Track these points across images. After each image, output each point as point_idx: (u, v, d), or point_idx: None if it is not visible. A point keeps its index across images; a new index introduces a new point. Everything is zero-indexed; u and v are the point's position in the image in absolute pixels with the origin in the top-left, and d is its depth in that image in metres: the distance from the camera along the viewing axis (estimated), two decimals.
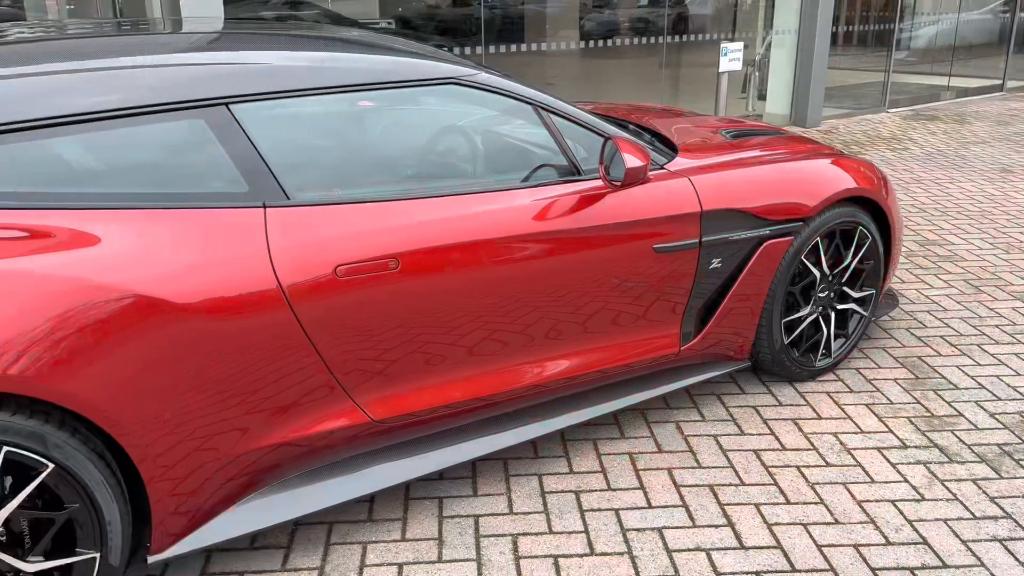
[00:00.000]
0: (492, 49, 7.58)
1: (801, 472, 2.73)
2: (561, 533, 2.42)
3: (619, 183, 2.50)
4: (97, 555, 1.91)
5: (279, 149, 2.18)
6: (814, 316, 3.22)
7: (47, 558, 1.87)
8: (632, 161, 2.47)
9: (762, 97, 9.15)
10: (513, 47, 8.24)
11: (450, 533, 2.42)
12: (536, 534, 2.42)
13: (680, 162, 2.86)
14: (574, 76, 8.67)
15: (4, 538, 1.83)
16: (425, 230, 2.27)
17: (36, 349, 1.73)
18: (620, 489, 2.63)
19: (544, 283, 2.49)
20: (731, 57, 6.43)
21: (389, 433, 2.40)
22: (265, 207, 2.09)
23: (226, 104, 2.11)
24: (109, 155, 1.99)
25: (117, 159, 1.99)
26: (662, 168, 2.79)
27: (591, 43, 8.89)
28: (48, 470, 1.79)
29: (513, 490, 2.62)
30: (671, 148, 3.07)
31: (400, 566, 2.29)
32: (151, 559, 2.04)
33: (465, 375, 2.46)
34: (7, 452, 1.74)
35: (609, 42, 8.68)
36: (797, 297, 3.16)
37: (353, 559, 2.32)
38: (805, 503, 2.58)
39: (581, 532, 2.43)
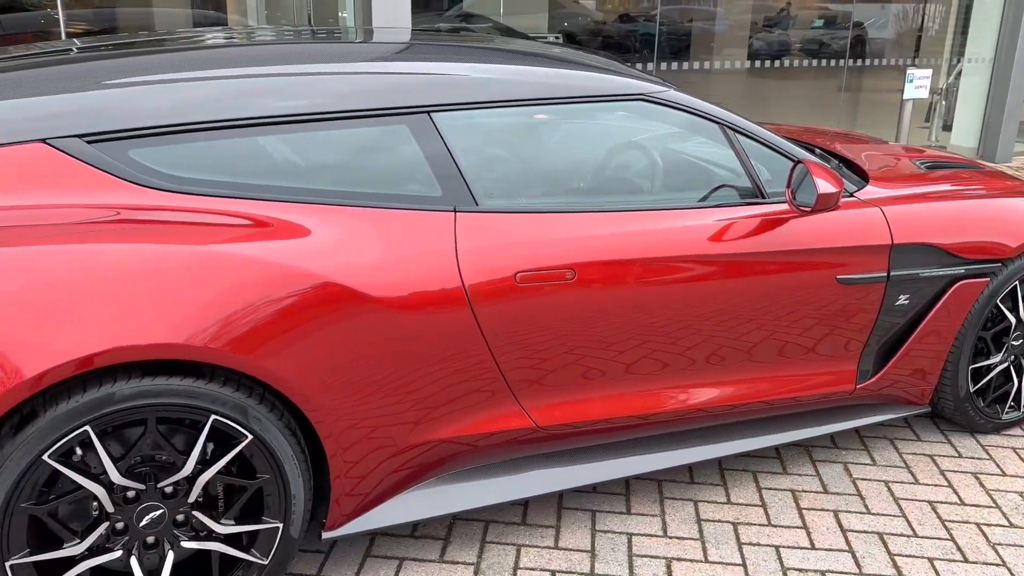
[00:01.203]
0: (657, 66, 7.53)
1: (981, 530, 2.54)
2: (717, 563, 2.36)
3: (808, 209, 2.42)
4: (280, 525, 2.04)
5: (471, 157, 2.26)
6: (1005, 365, 2.99)
7: (236, 523, 2.02)
8: (825, 187, 2.39)
9: (947, 127, 8.59)
10: (679, 65, 8.16)
11: (603, 548, 2.42)
12: (691, 561, 2.37)
13: (871, 191, 2.74)
14: (741, 96, 8.46)
15: (201, 499, 1.99)
16: (602, 243, 2.28)
17: (247, 327, 1.87)
18: (781, 526, 2.54)
19: (713, 306, 2.45)
20: (917, 84, 6.08)
21: (548, 441, 2.43)
22: (456, 211, 2.17)
23: (428, 112, 2.21)
24: (319, 154, 2.13)
25: (326, 158, 2.13)
26: (851, 196, 2.68)
27: (760, 63, 8.66)
28: (247, 440, 1.93)
29: (667, 513, 2.59)
30: (860, 175, 2.94)
31: (553, 573, 2.31)
32: (325, 535, 2.16)
33: (626, 391, 2.45)
34: (214, 420, 1.89)
35: (779, 63, 8.43)
36: (988, 343, 2.94)
37: (507, 560, 2.36)
38: (985, 563, 2.39)
39: (738, 565, 2.36)
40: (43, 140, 1.91)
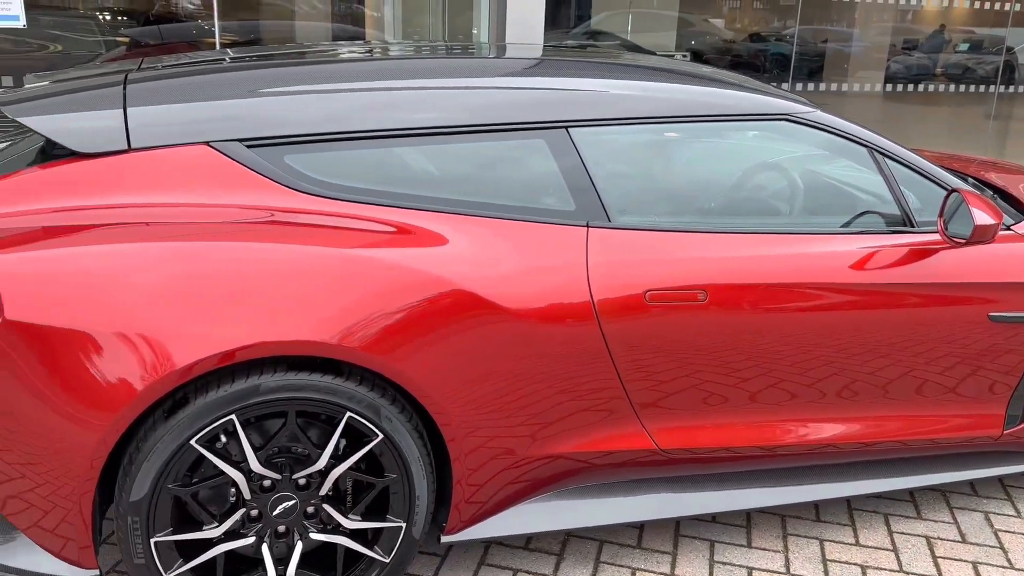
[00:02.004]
0: (791, 87, 7.32)
1: None
2: None
3: (962, 240, 2.29)
4: (403, 525, 2.08)
5: (606, 173, 2.25)
6: None
7: (363, 519, 2.07)
8: (983, 218, 2.25)
9: None
10: (811, 86, 7.91)
11: None
12: None
13: None
14: (876, 120, 8.13)
15: (331, 493, 2.06)
16: (737, 265, 2.23)
17: (385, 329, 1.93)
18: (913, 573, 2.39)
19: (850, 337, 2.34)
20: None
21: (667, 465, 2.38)
22: (588, 226, 2.17)
23: (566, 127, 2.23)
24: (459, 165, 2.18)
25: (465, 169, 2.18)
26: (1008, 229, 2.51)
27: (897, 87, 8.29)
28: (378, 439, 1.99)
29: (791, 550, 2.48)
30: (1017, 208, 2.75)
31: None
32: (444, 539, 2.19)
33: (751, 419, 2.38)
34: (349, 417, 1.96)
35: (920, 87, 8.03)
36: None
37: None
38: None
39: None
40: (207, 143, 2.03)
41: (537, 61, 2.58)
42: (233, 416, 1.87)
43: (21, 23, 4.49)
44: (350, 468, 2.02)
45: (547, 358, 2.12)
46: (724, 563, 2.41)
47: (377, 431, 1.98)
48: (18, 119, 2.01)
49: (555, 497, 2.31)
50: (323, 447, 1.97)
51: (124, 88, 2.11)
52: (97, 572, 1.94)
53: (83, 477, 1.84)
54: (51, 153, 2.08)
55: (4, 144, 2.42)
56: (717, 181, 2.51)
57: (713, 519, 2.62)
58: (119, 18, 6.72)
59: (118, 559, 2.35)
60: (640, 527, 2.57)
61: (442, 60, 2.50)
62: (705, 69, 2.76)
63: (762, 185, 2.61)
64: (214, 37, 5.69)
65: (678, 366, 2.24)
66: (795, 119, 2.39)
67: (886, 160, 2.43)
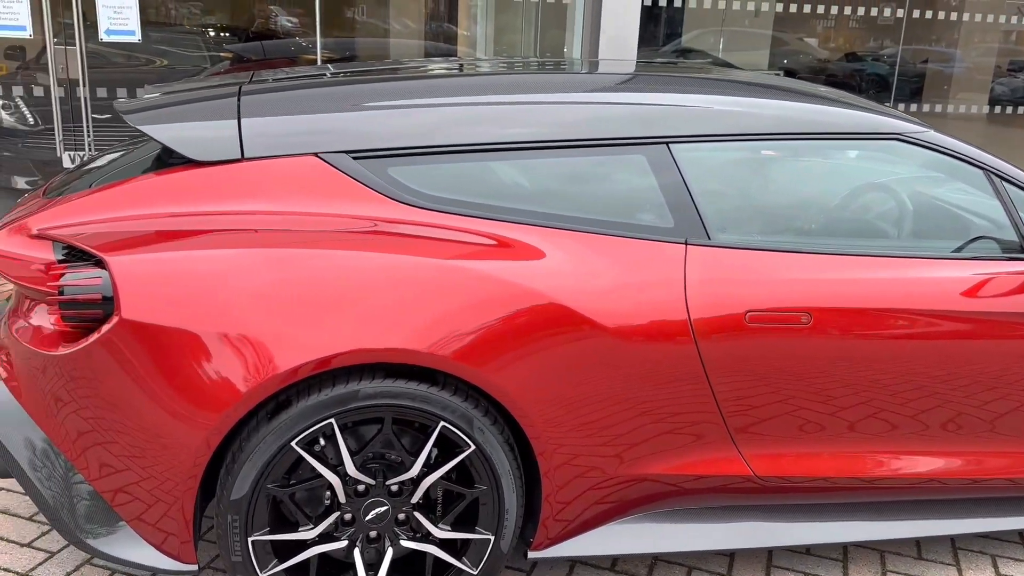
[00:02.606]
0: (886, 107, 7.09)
1: None
2: None
3: None
4: (492, 537, 2.08)
5: (706, 190, 2.22)
6: None
7: (452, 529, 2.08)
8: None
9: None
10: (911, 107, 7.65)
11: None
12: None
13: None
14: (980, 143, 7.78)
15: (422, 502, 2.07)
16: (842, 288, 2.16)
17: (480, 340, 1.94)
18: None
19: (957, 368, 2.23)
20: None
21: (760, 492, 2.31)
22: (687, 244, 2.14)
23: (667, 143, 2.20)
24: (557, 179, 2.18)
25: (563, 184, 2.17)
26: None
27: (1003, 109, 7.94)
28: (470, 450, 1.99)
29: None
30: None
31: None
32: (531, 554, 2.17)
33: (852, 449, 2.29)
34: (442, 427, 1.97)
35: None
36: None
37: None
38: None
39: None
40: (315, 154, 2.09)
41: (637, 76, 2.57)
42: (332, 420, 1.90)
43: (136, 38, 4.74)
44: (441, 477, 2.03)
45: (641, 376, 2.09)
46: None
47: (469, 442, 1.98)
48: (138, 127, 2.11)
49: (644, 519, 2.27)
50: (416, 455, 1.99)
51: (238, 100, 2.19)
52: (195, 567, 2.00)
53: (187, 474, 1.90)
54: (166, 161, 2.17)
55: (118, 153, 2.55)
56: (821, 201, 2.44)
57: (808, 551, 2.53)
58: (222, 34, 7.02)
59: (213, 555, 2.41)
60: (731, 555, 2.50)
61: (542, 75, 2.51)
62: (809, 86, 2.69)
63: (868, 206, 2.52)
64: (315, 53, 5.89)
65: (777, 390, 2.17)
66: (907, 139, 2.31)
67: (1004, 184, 2.32)
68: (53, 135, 5.51)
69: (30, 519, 2.54)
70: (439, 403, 1.95)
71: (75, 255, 1.99)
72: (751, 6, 6.91)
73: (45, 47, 5.11)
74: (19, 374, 2.04)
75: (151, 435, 1.89)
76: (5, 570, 2.32)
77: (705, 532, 2.27)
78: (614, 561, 2.45)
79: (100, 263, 1.91)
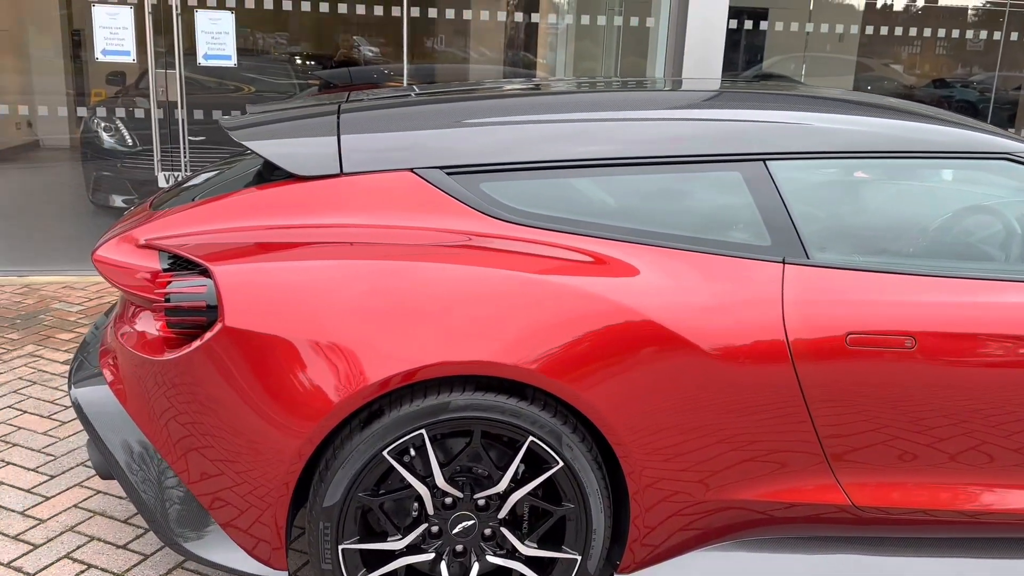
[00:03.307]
0: None
1: None
2: None
3: None
4: (579, 558, 2.05)
5: (805, 208, 2.17)
6: None
7: (539, 547, 2.05)
8: None
9: None
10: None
11: None
12: None
13: None
14: None
15: (508, 517, 2.06)
16: (949, 312, 2.07)
17: (573, 355, 1.92)
18: None
19: None
20: None
21: (856, 524, 2.22)
22: (784, 263, 2.09)
23: (763, 160, 2.17)
24: (650, 196, 2.16)
25: (656, 200, 2.16)
26: None
27: None
28: (558, 466, 1.97)
29: None
30: None
31: None
32: None
33: (957, 481, 2.18)
34: (531, 442, 1.96)
35: None
36: None
37: None
38: None
39: None
40: (411, 169, 2.12)
41: (731, 93, 2.54)
42: (423, 431, 1.91)
43: (233, 62, 4.94)
44: (528, 494, 2.01)
45: (735, 397, 2.04)
46: None
47: (557, 458, 1.96)
48: (243, 143, 2.19)
49: (732, 547, 2.20)
50: (503, 469, 1.98)
51: (338, 118, 2.25)
52: (286, 573, 2.03)
53: (281, 480, 1.94)
54: (266, 176, 2.24)
55: (218, 170, 2.64)
56: (924, 221, 2.36)
57: None
58: (308, 62, 7.28)
59: (300, 563, 2.44)
60: None
61: (634, 92, 2.51)
62: (911, 104, 2.61)
63: (974, 227, 2.42)
64: (401, 80, 6.04)
65: (877, 416, 2.09)
66: (1017, 159, 2.21)
67: None
68: (149, 156, 5.76)
69: (125, 522, 2.63)
70: (528, 418, 1.94)
71: (180, 265, 2.06)
72: (839, 28, 6.79)
73: (144, 72, 5.37)
74: (124, 377, 2.12)
75: (247, 441, 1.93)
76: (102, 570, 2.39)
77: (793, 563, 2.20)
78: None
79: (205, 272, 1.98)
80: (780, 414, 2.06)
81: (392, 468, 1.94)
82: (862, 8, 7.84)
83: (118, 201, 6.21)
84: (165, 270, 2.06)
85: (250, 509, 1.99)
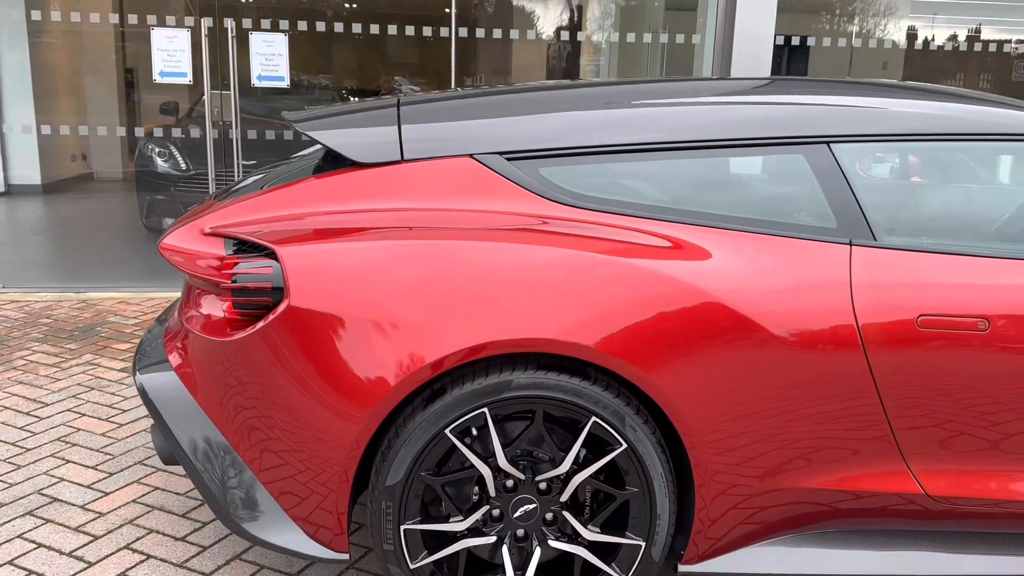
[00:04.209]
0: None
1: None
2: None
3: None
4: (643, 544, 2.00)
5: (871, 190, 2.14)
6: None
7: (602, 532, 2.02)
8: None
9: None
10: None
11: None
12: None
13: None
14: None
15: (570, 502, 2.02)
16: (1022, 295, 2.01)
17: (638, 336, 1.90)
18: None
19: None
20: None
21: (925, 517, 2.14)
22: (851, 245, 2.06)
23: (827, 143, 2.15)
24: (715, 179, 2.15)
25: (722, 184, 2.15)
26: None
27: None
28: (621, 448, 1.94)
29: None
30: None
31: None
32: (681, 568, 2.08)
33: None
34: (593, 423, 1.93)
35: None
36: None
37: None
38: None
39: None
40: (471, 155, 2.14)
41: (792, 80, 2.52)
42: (485, 409, 1.90)
43: (286, 83, 5.06)
44: (591, 477, 1.98)
45: (803, 382, 1.99)
46: None
47: (621, 440, 1.93)
48: (307, 133, 2.23)
49: (797, 541, 2.14)
50: (566, 452, 1.96)
51: (398, 109, 2.28)
52: (347, 556, 2.01)
53: (342, 465, 1.94)
54: (327, 168, 2.27)
55: (279, 164, 2.70)
56: (992, 204, 2.31)
57: None
58: (352, 97, 7.50)
59: (361, 552, 2.43)
60: None
61: (692, 81, 2.51)
62: (972, 92, 2.58)
63: None
64: None
65: (950, 401, 2.03)
66: None
67: None
68: (202, 179, 5.90)
69: (184, 516, 2.64)
70: (591, 398, 1.92)
71: (244, 251, 2.10)
72: (887, 44, 6.74)
73: (197, 99, 5.54)
74: (191, 360, 2.14)
75: (306, 421, 1.94)
76: (161, 560, 2.40)
77: (867, 558, 2.13)
78: None
79: (271, 255, 2.01)
80: (850, 400, 2.01)
81: (454, 449, 1.93)
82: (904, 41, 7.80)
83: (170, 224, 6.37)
84: (230, 255, 2.10)
85: (311, 495, 1.99)
